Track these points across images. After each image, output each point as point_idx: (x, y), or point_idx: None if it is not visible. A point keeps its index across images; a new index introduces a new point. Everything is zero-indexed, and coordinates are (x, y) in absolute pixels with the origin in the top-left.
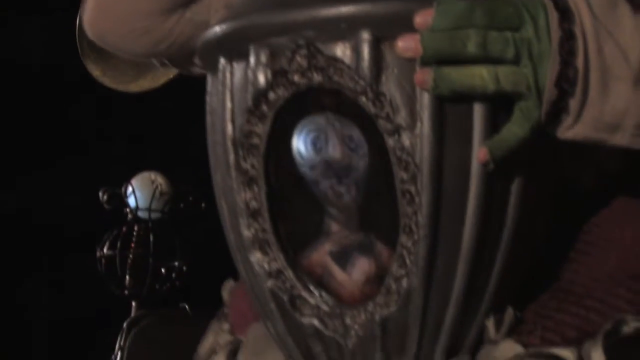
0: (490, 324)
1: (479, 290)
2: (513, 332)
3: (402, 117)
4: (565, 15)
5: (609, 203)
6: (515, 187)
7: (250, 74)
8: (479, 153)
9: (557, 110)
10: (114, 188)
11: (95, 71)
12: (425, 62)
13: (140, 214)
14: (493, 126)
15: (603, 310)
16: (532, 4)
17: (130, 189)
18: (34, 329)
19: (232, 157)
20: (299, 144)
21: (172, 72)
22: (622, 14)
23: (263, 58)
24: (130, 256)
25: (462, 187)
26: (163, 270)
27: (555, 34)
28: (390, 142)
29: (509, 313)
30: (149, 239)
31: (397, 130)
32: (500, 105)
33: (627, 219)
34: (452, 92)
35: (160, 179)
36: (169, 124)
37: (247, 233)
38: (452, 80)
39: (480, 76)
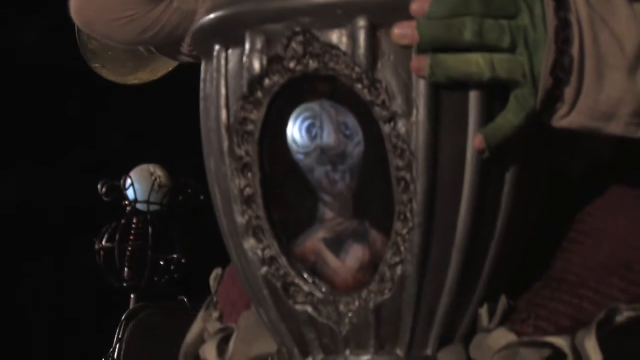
0: (483, 312)
1: (473, 279)
2: (506, 321)
3: (397, 105)
4: (561, 3)
5: (602, 192)
6: (509, 175)
7: (245, 60)
8: (475, 140)
9: (552, 98)
10: (113, 180)
11: (94, 63)
12: (422, 49)
13: (139, 206)
14: (488, 114)
15: (596, 299)
16: None
17: (129, 181)
18: (32, 319)
19: (226, 143)
20: (294, 130)
21: (171, 65)
22: (618, 3)
23: (258, 44)
24: (129, 248)
25: (457, 175)
26: (162, 262)
27: (551, 22)
28: (386, 129)
29: (503, 301)
30: (148, 231)
31: (392, 118)
32: (496, 93)
33: (621, 207)
34: (448, 79)
35: (159, 171)
36: (167, 117)
37: (240, 220)
38: (448, 67)
39: (476, 63)
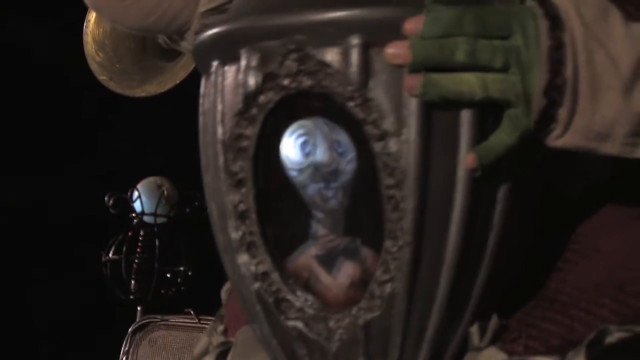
0: (474, 331)
1: (463, 297)
2: (497, 340)
3: (389, 123)
4: (556, 23)
5: (597, 211)
6: (501, 194)
7: (240, 76)
8: (467, 159)
9: (546, 119)
10: (120, 193)
11: (101, 76)
12: (414, 69)
13: (146, 218)
14: (481, 133)
15: (587, 319)
16: (521, 13)
17: (136, 193)
18: (39, 331)
19: (221, 159)
20: (288, 147)
21: (178, 78)
22: (614, 23)
23: (254, 61)
24: (136, 261)
25: (448, 194)
26: (168, 275)
27: (545, 42)
28: (377, 147)
29: (494, 320)
30: (155, 244)
31: (383, 136)
32: (489, 113)
33: (615, 227)
34: (440, 98)
35: (166, 184)
36: (174, 129)
37: (234, 235)
38: (440, 87)
39: (468, 83)
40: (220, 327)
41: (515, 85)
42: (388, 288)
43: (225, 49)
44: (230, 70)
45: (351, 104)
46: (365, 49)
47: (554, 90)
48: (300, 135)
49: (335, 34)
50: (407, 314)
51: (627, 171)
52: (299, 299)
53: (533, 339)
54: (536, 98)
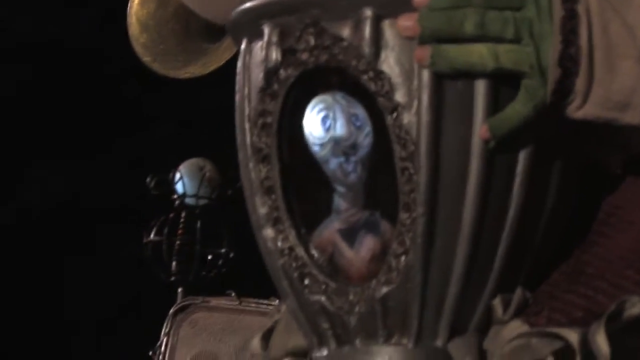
0: (497, 303)
1: (484, 270)
2: (522, 313)
3: (400, 95)
4: None
5: (634, 185)
6: (521, 167)
7: (263, 53)
8: (480, 130)
9: (564, 89)
10: (162, 174)
11: (145, 57)
12: (424, 41)
13: (188, 200)
14: (495, 105)
15: (610, 291)
16: None
17: (178, 175)
18: (81, 313)
19: (248, 135)
20: (310, 122)
21: (222, 59)
22: None
23: (274, 37)
24: (178, 242)
25: (462, 166)
26: (210, 256)
27: (558, 13)
28: (390, 120)
29: (518, 293)
30: (196, 226)
31: (395, 109)
32: (504, 84)
33: None
34: (451, 69)
35: (208, 166)
36: (218, 110)
37: (261, 210)
38: (450, 58)
39: (478, 54)
40: (283, 307)
41: (529, 56)
42: (403, 260)
43: (251, 26)
44: (256, 47)
45: (365, 77)
46: (377, 21)
47: (569, 60)
48: (320, 110)
49: (348, 7)
50: (423, 286)
51: None
52: (323, 273)
53: (556, 311)
54: (551, 69)
